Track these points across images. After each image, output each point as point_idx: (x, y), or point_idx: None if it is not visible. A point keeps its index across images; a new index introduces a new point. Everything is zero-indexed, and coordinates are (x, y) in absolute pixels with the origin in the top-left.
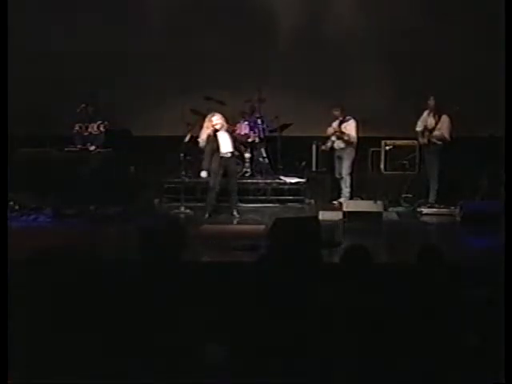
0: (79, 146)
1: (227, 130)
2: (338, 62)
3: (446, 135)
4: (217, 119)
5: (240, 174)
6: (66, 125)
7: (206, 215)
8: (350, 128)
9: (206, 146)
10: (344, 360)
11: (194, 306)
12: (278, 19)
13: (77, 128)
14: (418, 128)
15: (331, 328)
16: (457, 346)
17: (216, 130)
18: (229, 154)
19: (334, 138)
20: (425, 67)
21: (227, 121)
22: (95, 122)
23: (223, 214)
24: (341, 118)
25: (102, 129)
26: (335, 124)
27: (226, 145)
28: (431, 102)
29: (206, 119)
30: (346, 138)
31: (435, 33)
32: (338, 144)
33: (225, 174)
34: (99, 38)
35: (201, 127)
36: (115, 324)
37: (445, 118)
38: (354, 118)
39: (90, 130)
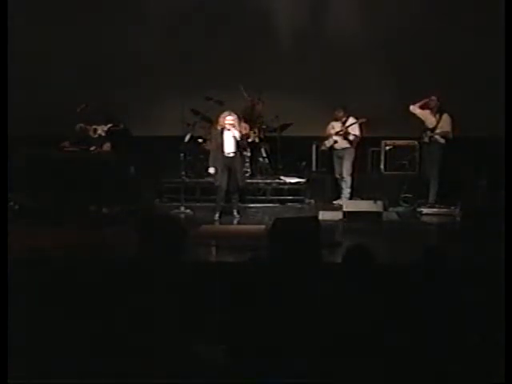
0: (81, 147)
1: (235, 131)
2: (338, 62)
3: (449, 131)
4: (231, 119)
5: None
6: (66, 125)
7: (216, 215)
8: (355, 128)
9: (211, 143)
10: (344, 359)
11: (194, 306)
12: (278, 19)
13: (77, 128)
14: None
15: (331, 327)
16: (457, 345)
17: (224, 129)
18: (231, 154)
19: (336, 138)
20: (425, 67)
21: (239, 122)
22: (98, 123)
23: (224, 214)
24: (344, 119)
25: (113, 129)
26: (336, 124)
27: (228, 145)
28: (433, 101)
29: (220, 116)
30: (351, 138)
31: (435, 32)
32: (341, 144)
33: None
34: (99, 38)
35: (204, 127)
36: (116, 323)
37: (446, 117)
38: (357, 119)
39: (99, 132)
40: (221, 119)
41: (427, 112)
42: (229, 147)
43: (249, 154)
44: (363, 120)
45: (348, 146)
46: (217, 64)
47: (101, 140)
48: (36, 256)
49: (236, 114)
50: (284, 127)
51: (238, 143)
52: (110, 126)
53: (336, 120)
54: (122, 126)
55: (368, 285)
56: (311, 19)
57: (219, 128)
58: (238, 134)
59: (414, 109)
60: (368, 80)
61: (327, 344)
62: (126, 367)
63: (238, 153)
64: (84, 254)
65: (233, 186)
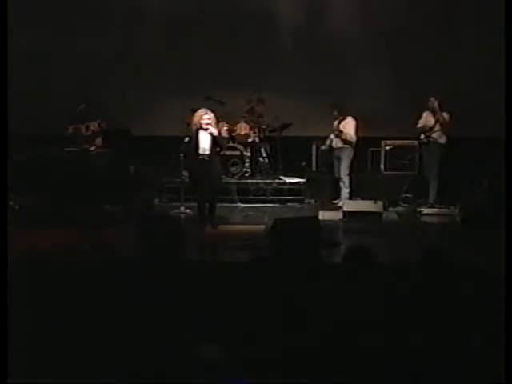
0: (81, 147)
1: (213, 130)
2: (338, 62)
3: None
4: (207, 118)
5: (240, 174)
6: (66, 125)
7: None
8: (349, 127)
9: (187, 144)
10: (344, 359)
11: (195, 306)
12: (278, 19)
13: (70, 130)
14: (419, 125)
15: (331, 327)
16: (457, 345)
17: (200, 129)
18: (206, 158)
19: (332, 137)
20: (425, 67)
21: (217, 121)
22: (95, 120)
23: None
24: (340, 118)
25: (102, 125)
26: (335, 122)
27: (204, 145)
28: (432, 101)
29: (196, 115)
30: (343, 137)
31: (435, 32)
32: (336, 143)
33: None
34: (99, 37)
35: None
36: (116, 324)
37: (445, 116)
38: (354, 117)
39: (92, 128)
40: (196, 118)
41: (428, 113)
42: (204, 148)
43: (249, 154)
44: (350, 119)
45: (343, 145)
46: (217, 64)
47: (93, 136)
48: (36, 256)
49: (213, 112)
50: (284, 127)
51: (214, 143)
52: (98, 121)
53: (335, 119)
54: (105, 124)
55: (367, 284)
56: (311, 19)
57: (194, 128)
58: (215, 132)
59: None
60: (368, 80)
61: (327, 343)
62: (126, 367)
63: (215, 153)
64: (84, 254)
65: (207, 194)
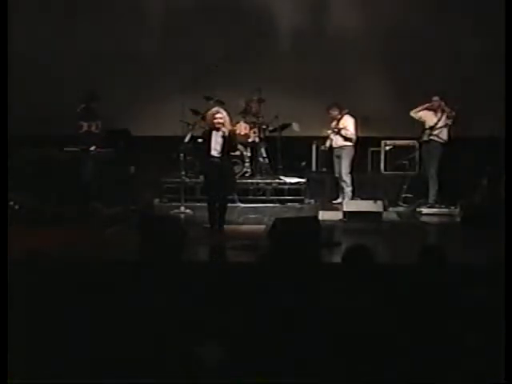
0: (81, 147)
1: (224, 131)
2: (338, 62)
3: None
4: (220, 117)
5: (240, 174)
6: (66, 125)
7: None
8: (348, 124)
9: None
10: (343, 359)
11: (195, 306)
12: (278, 19)
13: (85, 128)
14: (413, 113)
15: (331, 328)
16: (457, 346)
17: (213, 128)
18: (216, 160)
19: (332, 136)
20: (425, 67)
21: (231, 120)
22: (94, 121)
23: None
24: (339, 117)
25: (94, 129)
26: (334, 123)
27: (216, 146)
28: (436, 101)
29: (208, 114)
30: (343, 132)
31: (436, 32)
32: (336, 142)
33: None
34: (99, 37)
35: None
36: (116, 323)
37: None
38: (352, 115)
39: (93, 129)
40: (209, 118)
41: (430, 113)
42: (215, 149)
43: (249, 154)
44: (348, 116)
45: (343, 143)
46: (217, 64)
47: (101, 135)
48: (36, 256)
49: (226, 110)
50: (284, 127)
51: (226, 144)
52: (97, 122)
53: (333, 119)
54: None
55: (367, 284)
56: (311, 18)
57: (207, 127)
58: (226, 131)
59: (416, 113)
60: (368, 80)
61: (327, 344)
62: (127, 367)
63: (227, 154)
64: (84, 254)
65: (219, 198)
